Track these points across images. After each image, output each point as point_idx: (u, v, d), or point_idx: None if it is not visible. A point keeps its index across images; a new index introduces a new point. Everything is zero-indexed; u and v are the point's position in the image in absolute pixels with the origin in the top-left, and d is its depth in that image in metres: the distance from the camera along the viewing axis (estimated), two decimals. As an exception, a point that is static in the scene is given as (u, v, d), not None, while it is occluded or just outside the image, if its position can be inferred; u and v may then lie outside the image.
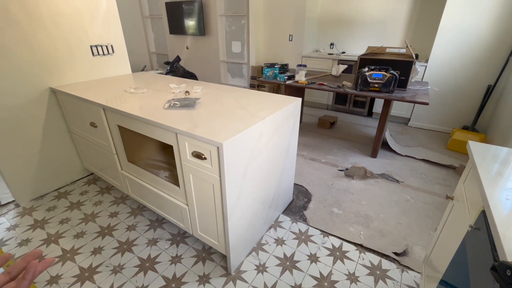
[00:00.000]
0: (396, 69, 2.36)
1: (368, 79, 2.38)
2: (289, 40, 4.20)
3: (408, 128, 3.49)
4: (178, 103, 1.51)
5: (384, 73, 2.34)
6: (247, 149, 1.27)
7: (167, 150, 2.07)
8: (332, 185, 2.27)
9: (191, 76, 4.22)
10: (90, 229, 1.80)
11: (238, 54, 4.73)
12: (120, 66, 2.43)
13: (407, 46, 2.55)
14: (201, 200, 1.37)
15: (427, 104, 2.16)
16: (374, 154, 2.71)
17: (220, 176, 1.19)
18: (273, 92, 4.51)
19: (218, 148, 1.11)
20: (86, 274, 1.47)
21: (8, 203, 2.05)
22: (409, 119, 3.53)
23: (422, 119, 3.42)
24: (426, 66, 3.15)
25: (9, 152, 1.88)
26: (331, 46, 4.27)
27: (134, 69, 4.29)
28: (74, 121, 2.05)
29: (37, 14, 1.82)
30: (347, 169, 2.48)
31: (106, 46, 2.27)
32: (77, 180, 2.34)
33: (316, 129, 3.43)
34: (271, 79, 2.98)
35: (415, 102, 2.21)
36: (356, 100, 3.90)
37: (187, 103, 1.51)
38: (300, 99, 1.69)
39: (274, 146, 1.52)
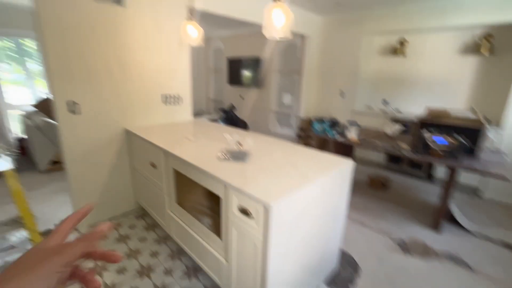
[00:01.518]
0: (463, 135, 2.16)
1: (430, 143, 2.20)
2: (340, 95, 4.26)
3: (479, 200, 3.00)
4: (230, 155, 1.58)
5: (448, 138, 2.14)
6: (295, 211, 1.22)
7: (214, 198, 2.12)
8: (385, 258, 1.99)
9: (242, 123, 4.49)
10: (131, 266, 1.84)
11: (289, 106, 4.94)
12: (184, 113, 2.73)
13: (475, 111, 2.34)
14: (242, 257, 1.32)
15: (506, 179, 1.86)
16: (436, 228, 2.35)
17: (264, 237, 1.15)
18: (321, 146, 4.46)
19: (266, 208, 1.10)
20: (119, 316, 1.47)
21: (70, 226, 2.27)
22: (480, 189, 3.06)
23: (500, 191, 2.93)
24: (497, 132, 2.81)
25: (81, 180, 2.15)
26: (384, 103, 4.18)
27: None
28: (137, 159, 2.29)
29: (129, 72, 2.22)
30: (403, 241, 2.17)
31: (175, 96, 2.60)
32: (129, 214, 2.51)
33: (366, 189, 3.19)
34: (321, 133, 2.98)
35: (489, 175, 1.93)
36: (413, 161, 3.59)
37: (239, 156, 1.58)
38: (352, 162, 1.62)
39: (322, 209, 1.44)
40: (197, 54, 6.08)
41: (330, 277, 1.79)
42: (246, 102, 5.58)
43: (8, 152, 0.86)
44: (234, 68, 5.47)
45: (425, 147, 2.23)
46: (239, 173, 1.37)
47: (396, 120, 3.61)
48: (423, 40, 3.66)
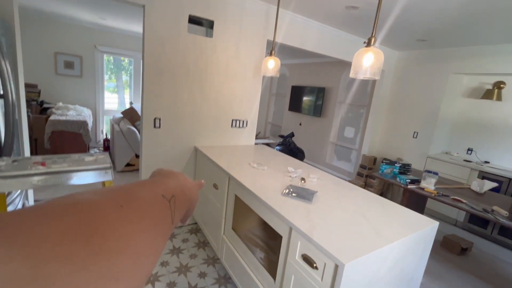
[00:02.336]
0: None
1: (539, 214, 1.77)
2: (413, 137, 3.86)
3: None
4: (296, 193, 1.53)
5: None
6: (367, 275, 1.08)
7: (271, 232, 2.07)
8: None
9: (300, 152, 4.41)
10: (180, 282, 1.88)
11: (350, 139, 4.69)
12: (248, 138, 2.81)
13: None
14: (296, 310, 1.21)
15: None
16: (542, 325, 1.82)
17: (329, 297, 1.03)
18: (383, 190, 4.05)
19: (337, 266, 0.99)
20: (165, 335, 1.48)
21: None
22: None
23: None
24: None
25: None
26: (469, 152, 3.61)
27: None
28: (201, 176, 2.41)
29: (207, 96, 2.42)
30: (492, 332, 1.73)
31: (243, 121, 2.71)
32: (184, 226, 2.62)
33: (439, 250, 2.71)
34: (389, 177, 2.70)
35: None
36: (504, 226, 2.94)
37: (305, 195, 1.50)
38: (437, 224, 1.39)
39: (397, 274, 1.25)
40: (263, 79, 6.36)
41: None
42: (305, 130, 5.52)
43: (109, 165, 0.97)
44: (297, 95, 5.52)
45: (532, 218, 1.80)
46: (305, 215, 1.29)
47: (484, 174, 3.07)
48: (527, 85, 3.11)
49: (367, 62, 1.27)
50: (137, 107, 4.33)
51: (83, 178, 1.09)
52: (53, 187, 2.96)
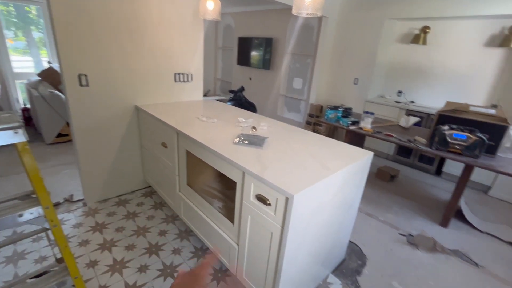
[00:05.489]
0: (483, 132, 2.08)
1: (448, 138, 2.13)
2: (354, 83, 4.13)
3: (488, 198, 2.98)
4: (247, 140, 1.53)
5: (468, 134, 2.07)
6: (314, 203, 1.19)
7: (227, 182, 2.09)
8: (392, 251, 1.99)
9: (251, 105, 4.39)
10: (140, 243, 1.86)
11: (298, 90, 4.81)
12: (195, 92, 2.64)
13: (499, 108, 2.25)
14: (255, 245, 1.31)
15: (526, 179, 1.81)
16: (444, 223, 2.34)
17: (282, 227, 1.12)
18: (329, 134, 4.39)
19: (287, 198, 1.06)
20: (130, 292, 1.49)
21: (78, 200, 2.27)
22: (490, 187, 3.02)
23: (508, 190, 2.90)
24: (518, 131, 2.72)
25: (91, 156, 2.12)
26: (399, 94, 4.05)
27: (201, 93, 4.66)
28: (147, 137, 2.24)
29: (140, 46, 2.12)
30: (411, 235, 2.17)
31: (187, 74, 2.50)
32: (137, 190, 2.51)
33: (374, 180, 3.16)
34: (333, 121, 2.90)
35: (508, 175, 1.88)
36: (423, 155, 3.53)
37: (256, 141, 1.52)
38: (372, 154, 1.57)
39: (339, 201, 1.41)
40: (206, 31, 5.84)
41: (338, 267, 1.80)
42: (255, 84, 5.44)
43: (19, 124, 0.80)
44: (244, 48, 5.28)
45: (443, 142, 2.16)
46: (257, 159, 1.32)
47: (410, 112, 3.52)
48: (447, 29, 3.47)
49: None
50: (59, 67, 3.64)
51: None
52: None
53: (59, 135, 3.42)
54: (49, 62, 4.33)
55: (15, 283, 1.01)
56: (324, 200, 1.25)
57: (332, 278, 1.70)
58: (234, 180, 1.35)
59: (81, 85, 1.91)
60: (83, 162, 2.10)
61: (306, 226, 1.20)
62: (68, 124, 3.37)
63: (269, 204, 1.16)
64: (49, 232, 1.33)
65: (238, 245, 1.42)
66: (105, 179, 2.26)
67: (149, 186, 2.59)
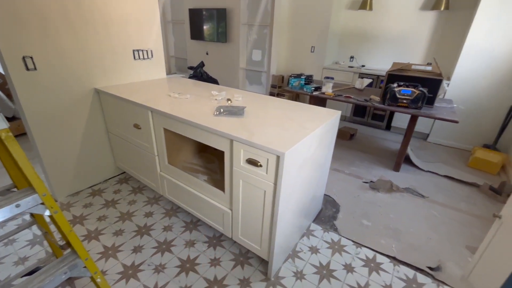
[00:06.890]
0: (424, 86, 2.42)
1: (397, 94, 2.44)
2: (311, 52, 4.29)
3: (427, 143, 3.53)
4: (226, 111, 1.57)
5: (413, 89, 2.40)
6: (300, 159, 1.32)
7: (208, 154, 2.12)
8: (359, 197, 2.31)
9: (213, 81, 4.31)
10: (127, 227, 1.85)
11: (258, 62, 4.83)
12: (157, 70, 2.51)
13: (435, 64, 2.61)
14: (249, 206, 1.42)
15: (456, 122, 2.21)
16: (397, 168, 2.75)
17: (275, 184, 1.24)
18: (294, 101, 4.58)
19: (278, 157, 1.17)
20: (130, 272, 1.51)
21: (45, 197, 2.10)
22: (428, 134, 3.57)
23: (442, 135, 3.46)
24: (448, 84, 3.22)
25: (52, 148, 1.95)
26: (351, 59, 4.35)
27: (157, 72, 4.38)
28: (114, 122, 2.12)
29: (91, 20, 1.91)
30: (372, 181, 2.52)
31: (147, 51, 2.35)
32: (109, 179, 2.40)
33: (337, 140, 3.48)
34: (297, 89, 3.05)
35: (445, 120, 2.26)
36: (375, 113, 3.95)
37: (236, 111, 1.57)
38: (340, 112, 1.75)
39: (317, 157, 1.58)
40: None
41: (317, 216, 2.04)
42: (213, 59, 5.27)
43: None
44: (197, 20, 5.01)
45: (393, 98, 2.46)
46: (241, 127, 1.39)
47: (362, 75, 3.84)
48: (389, -6, 3.75)
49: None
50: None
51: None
52: None
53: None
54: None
55: (11, 279, 0.97)
56: (306, 157, 1.40)
57: (314, 226, 1.94)
58: (222, 150, 1.41)
59: (27, 69, 1.69)
60: (44, 155, 1.92)
61: (294, 182, 1.35)
62: (14, 117, 2.96)
63: (260, 166, 1.26)
64: (35, 221, 1.27)
65: (231, 210, 1.52)
66: (73, 170, 2.12)
67: (123, 173, 2.49)
